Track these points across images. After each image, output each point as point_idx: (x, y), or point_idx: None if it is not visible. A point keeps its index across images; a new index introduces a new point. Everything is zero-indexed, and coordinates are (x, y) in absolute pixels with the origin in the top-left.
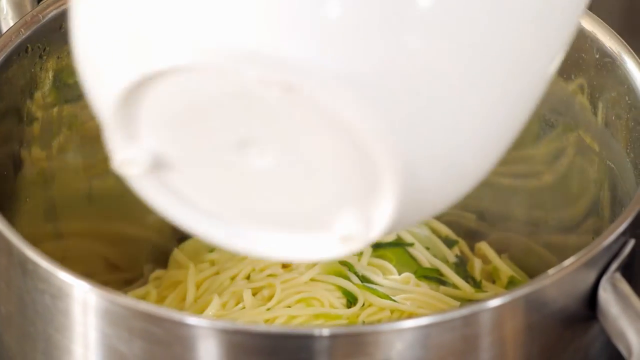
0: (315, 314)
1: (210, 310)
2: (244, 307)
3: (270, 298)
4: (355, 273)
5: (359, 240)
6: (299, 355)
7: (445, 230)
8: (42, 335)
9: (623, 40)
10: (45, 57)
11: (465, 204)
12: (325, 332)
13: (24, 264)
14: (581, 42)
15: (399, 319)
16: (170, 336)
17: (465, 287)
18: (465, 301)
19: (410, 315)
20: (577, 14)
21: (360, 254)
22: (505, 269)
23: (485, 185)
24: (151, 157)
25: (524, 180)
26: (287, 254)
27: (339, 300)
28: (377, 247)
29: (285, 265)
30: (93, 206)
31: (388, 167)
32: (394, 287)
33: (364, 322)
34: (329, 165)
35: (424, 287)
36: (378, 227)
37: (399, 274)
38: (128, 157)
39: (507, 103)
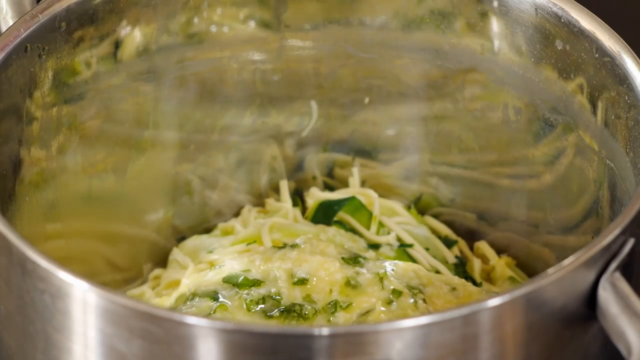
0: None
1: None
2: None
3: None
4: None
5: None
6: (298, 354)
7: (445, 230)
8: (42, 334)
9: (622, 40)
10: (44, 57)
11: (465, 203)
12: (325, 331)
13: (23, 263)
14: (581, 42)
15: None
16: (169, 336)
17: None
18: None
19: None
20: None
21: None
22: (504, 269)
23: (485, 185)
24: None
25: (523, 180)
26: None
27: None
28: (376, 247)
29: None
30: (93, 206)
31: None
32: None
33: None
34: None
35: None
36: None
37: None
38: None
39: None
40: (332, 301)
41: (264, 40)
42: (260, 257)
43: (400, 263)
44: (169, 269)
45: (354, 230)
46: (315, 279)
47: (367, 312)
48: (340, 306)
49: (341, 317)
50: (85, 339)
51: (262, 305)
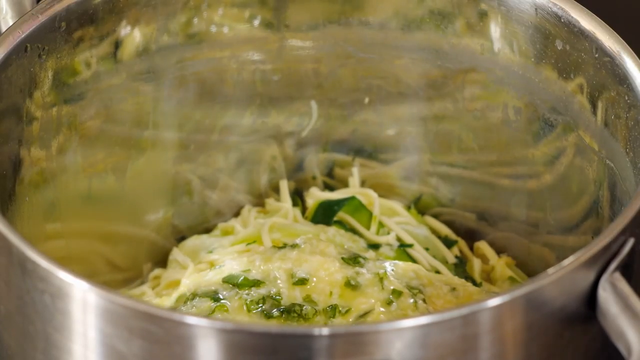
0: None
1: None
2: None
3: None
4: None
5: None
6: (298, 354)
7: (445, 230)
8: (42, 334)
9: (622, 40)
10: (44, 57)
11: (465, 203)
12: (325, 331)
13: (23, 263)
14: (581, 42)
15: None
16: (169, 335)
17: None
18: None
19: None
20: None
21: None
22: (504, 269)
23: (485, 185)
24: None
25: (523, 180)
26: None
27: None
28: (376, 247)
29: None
30: (93, 206)
31: None
32: None
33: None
34: None
35: None
36: None
37: None
38: None
39: None
40: (330, 305)
41: (264, 40)
42: (260, 257)
43: (400, 263)
44: (169, 269)
45: (354, 230)
46: (315, 279)
47: (366, 314)
48: (340, 311)
49: (339, 323)
50: (85, 339)
51: (262, 306)
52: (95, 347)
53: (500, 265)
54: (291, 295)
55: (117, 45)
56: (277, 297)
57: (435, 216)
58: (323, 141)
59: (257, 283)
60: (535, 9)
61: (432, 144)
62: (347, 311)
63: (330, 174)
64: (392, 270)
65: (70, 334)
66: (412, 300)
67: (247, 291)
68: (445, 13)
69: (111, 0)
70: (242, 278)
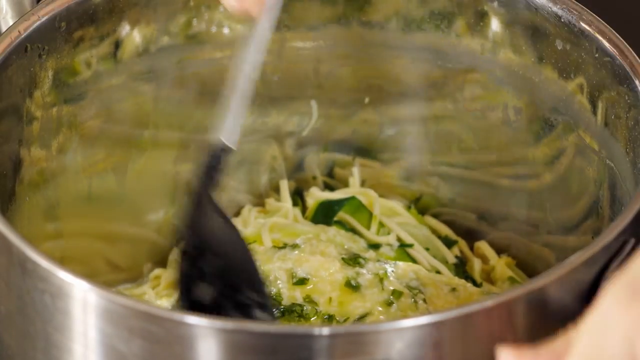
0: None
1: None
2: None
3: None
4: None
5: None
6: (298, 354)
7: (445, 230)
8: (42, 334)
9: (622, 40)
10: (44, 57)
11: (465, 203)
12: (325, 331)
13: (23, 263)
14: (581, 42)
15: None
16: (170, 335)
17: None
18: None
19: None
20: None
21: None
22: (504, 269)
23: (485, 185)
24: None
25: (523, 180)
26: None
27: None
28: (376, 247)
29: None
30: (93, 206)
31: None
32: None
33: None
34: None
35: None
36: None
37: None
38: None
39: None
40: (328, 315)
41: None
42: (260, 257)
43: (400, 264)
44: (170, 269)
45: (354, 230)
46: (315, 279)
47: (365, 316)
48: (337, 321)
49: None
50: (86, 338)
51: None
52: (95, 347)
53: (501, 265)
54: (291, 295)
55: (117, 45)
56: (278, 297)
57: (436, 216)
58: (323, 141)
59: None
60: (536, 9)
61: (432, 144)
62: (345, 320)
63: (330, 174)
64: (392, 270)
65: (70, 334)
66: (412, 301)
67: None
68: (445, 13)
69: (111, 1)
70: None
